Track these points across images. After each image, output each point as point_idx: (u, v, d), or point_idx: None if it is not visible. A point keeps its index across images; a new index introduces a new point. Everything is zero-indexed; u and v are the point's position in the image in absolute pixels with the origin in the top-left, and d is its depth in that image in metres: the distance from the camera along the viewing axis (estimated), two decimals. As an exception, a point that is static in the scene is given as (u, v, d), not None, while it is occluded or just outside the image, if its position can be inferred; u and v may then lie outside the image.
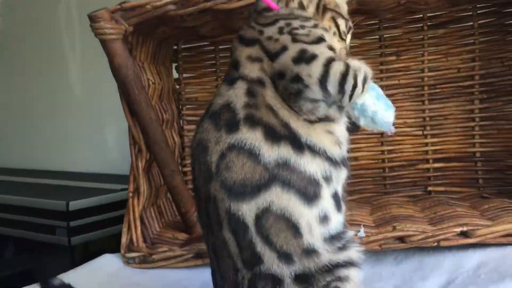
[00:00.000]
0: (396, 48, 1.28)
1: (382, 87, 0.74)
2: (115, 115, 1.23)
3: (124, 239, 1.10)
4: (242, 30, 0.72)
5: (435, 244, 0.96)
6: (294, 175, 0.62)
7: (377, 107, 0.69)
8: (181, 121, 1.35)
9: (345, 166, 0.68)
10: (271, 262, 0.62)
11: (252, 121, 0.64)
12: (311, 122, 0.65)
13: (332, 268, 0.63)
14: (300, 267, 0.62)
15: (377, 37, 1.29)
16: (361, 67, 0.65)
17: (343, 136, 0.68)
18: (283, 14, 0.71)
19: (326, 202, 0.64)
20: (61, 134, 2.25)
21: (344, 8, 0.76)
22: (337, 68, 0.62)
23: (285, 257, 0.62)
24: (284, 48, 0.65)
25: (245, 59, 0.67)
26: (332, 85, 0.62)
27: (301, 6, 0.73)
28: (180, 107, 1.35)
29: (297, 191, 0.62)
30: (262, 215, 0.61)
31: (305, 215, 0.62)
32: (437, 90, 1.28)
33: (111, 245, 1.46)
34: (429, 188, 1.29)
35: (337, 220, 0.65)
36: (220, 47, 1.34)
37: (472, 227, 0.96)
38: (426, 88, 1.28)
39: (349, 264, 0.64)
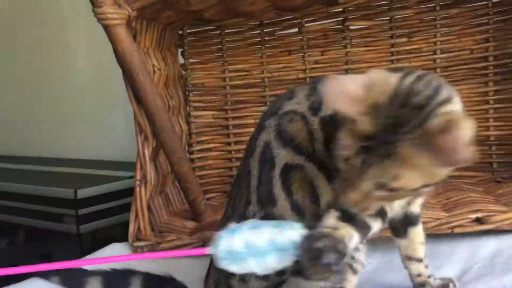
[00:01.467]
0: (408, 30, 1.25)
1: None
2: (123, 101, 1.21)
3: (131, 228, 1.09)
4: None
5: (449, 231, 0.94)
6: None
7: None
8: (187, 107, 1.33)
9: None
10: (283, 209, 0.63)
11: None
12: None
13: None
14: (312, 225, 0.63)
15: (388, 18, 1.26)
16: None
17: None
18: None
19: None
20: (68, 121, 2.23)
21: None
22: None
23: (298, 210, 0.63)
24: None
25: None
26: None
27: None
28: (187, 93, 1.33)
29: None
30: (292, 168, 0.64)
31: (327, 195, 0.64)
32: (450, 73, 1.24)
33: (120, 233, 1.46)
34: (442, 173, 1.26)
35: None
36: (226, 31, 1.32)
37: (487, 213, 0.94)
38: (438, 70, 1.24)
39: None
